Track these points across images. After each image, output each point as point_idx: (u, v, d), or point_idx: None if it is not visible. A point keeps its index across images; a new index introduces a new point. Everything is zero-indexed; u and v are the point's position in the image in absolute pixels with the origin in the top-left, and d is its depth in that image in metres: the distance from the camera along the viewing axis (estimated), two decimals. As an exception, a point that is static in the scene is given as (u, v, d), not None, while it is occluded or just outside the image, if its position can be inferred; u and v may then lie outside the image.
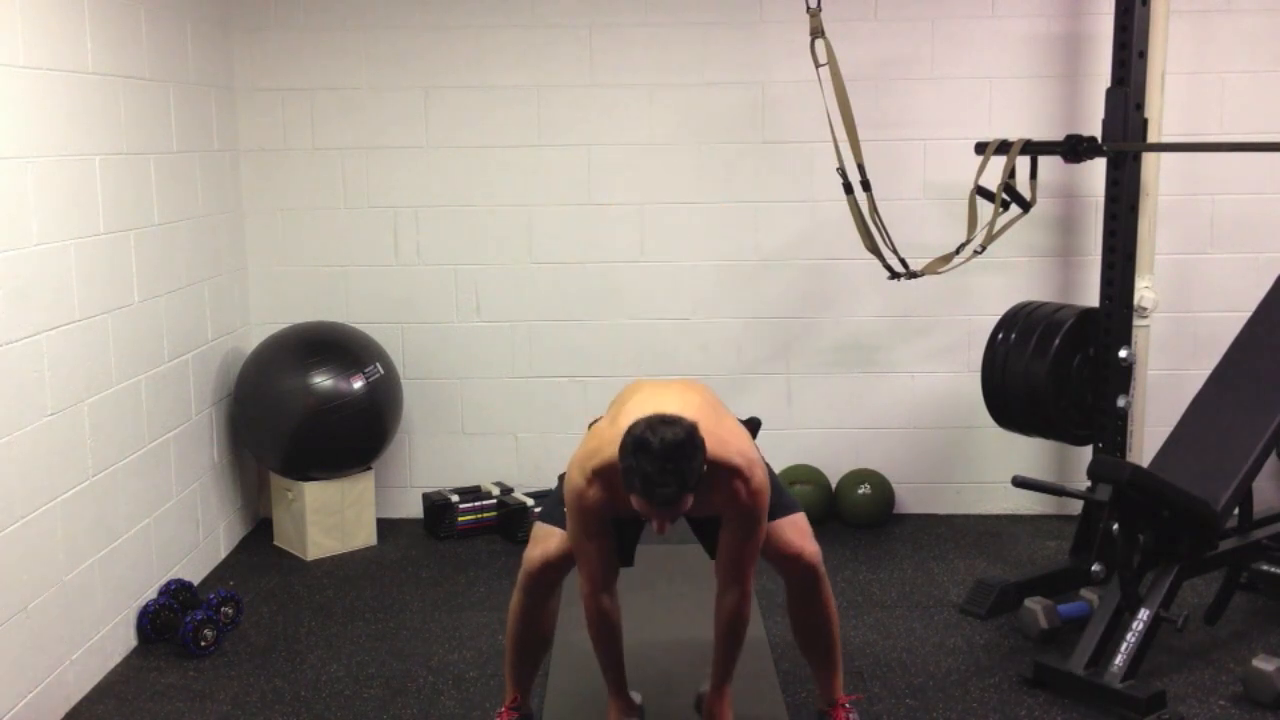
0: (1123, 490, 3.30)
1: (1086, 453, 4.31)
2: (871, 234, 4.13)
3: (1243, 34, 4.68)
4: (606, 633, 2.95)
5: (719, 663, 3.01)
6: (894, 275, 4.19)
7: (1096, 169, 4.30)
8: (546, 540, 3.00)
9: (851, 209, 4.10)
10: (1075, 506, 4.52)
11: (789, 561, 3.00)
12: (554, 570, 3.00)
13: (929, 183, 4.80)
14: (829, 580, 3.05)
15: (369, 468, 4.75)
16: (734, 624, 2.92)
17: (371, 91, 4.83)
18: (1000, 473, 4.80)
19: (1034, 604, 3.78)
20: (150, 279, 3.97)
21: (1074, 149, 4.06)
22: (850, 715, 3.14)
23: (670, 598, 4.00)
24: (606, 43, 4.77)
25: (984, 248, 4.14)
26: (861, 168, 4.07)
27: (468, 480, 5.00)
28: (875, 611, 4.04)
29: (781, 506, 3.00)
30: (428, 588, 4.31)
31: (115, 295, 3.73)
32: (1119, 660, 3.34)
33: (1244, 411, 3.64)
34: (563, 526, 2.96)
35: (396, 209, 4.89)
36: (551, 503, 3.07)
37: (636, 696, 3.19)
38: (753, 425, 3.13)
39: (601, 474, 2.77)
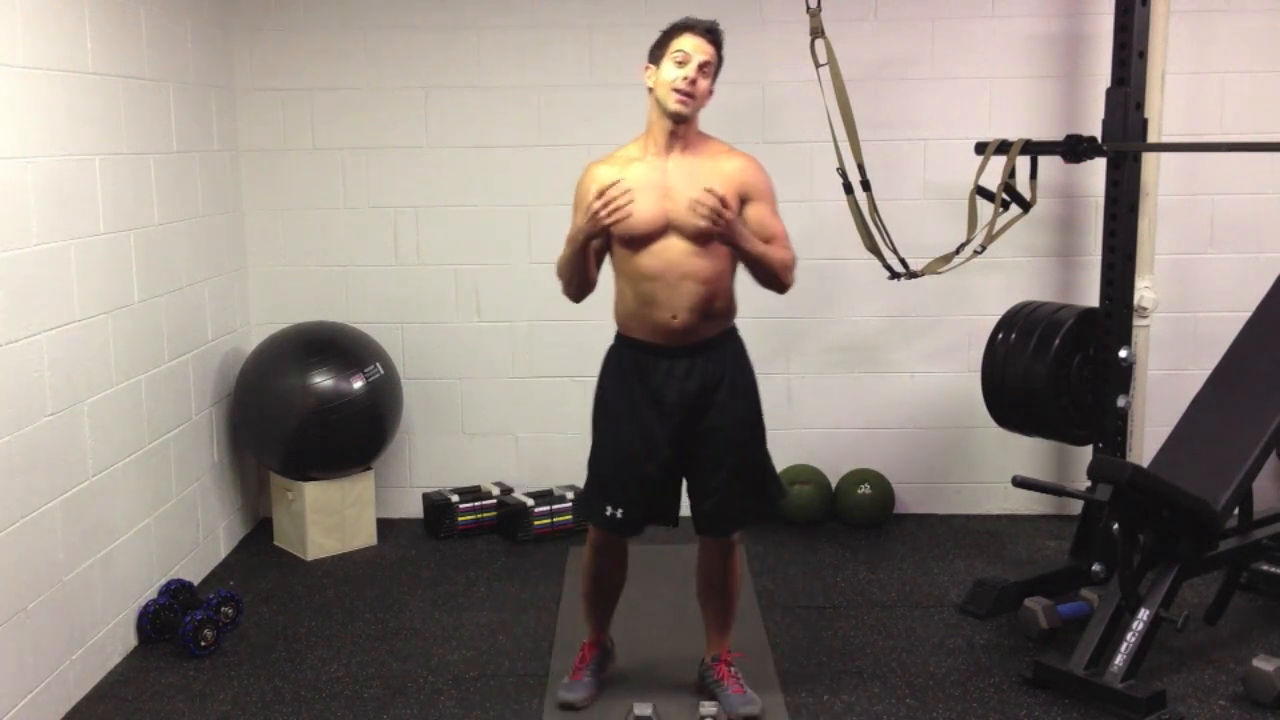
0: (1123, 490, 3.29)
1: (1086, 453, 4.31)
2: (871, 234, 4.13)
3: (1243, 34, 4.68)
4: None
5: (761, 246, 3.05)
6: (894, 275, 4.19)
7: (1096, 169, 4.29)
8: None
9: (851, 209, 4.10)
10: (1075, 506, 4.52)
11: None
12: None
13: (929, 183, 4.80)
14: (743, 552, 3.43)
15: (369, 468, 4.75)
16: (784, 260, 3.10)
17: (371, 91, 4.83)
18: (1000, 473, 4.80)
19: (1034, 604, 3.78)
20: (150, 279, 3.97)
21: (1074, 149, 4.06)
22: (734, 668, 3.34)
23: (671, 597, 4.00)
24: (606, 43, 4.77)
25: (984, 248, 4.14)
26: (861, 168, 4.07)
27: (468, 480, 5.00)
28: (875, 611, 4.04)
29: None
30: (428, 588, 4.30)
31: (115, 295, 3.73)
32: (1119, 660, 3.34)
33: (1244, 411, 3.64)
34: (594, 518, 3.28)
35: (396, 209, 4.89)
36: (584, 492, 3.36)
37: (647, 709, 3.19)
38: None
39: (602, 161, 3.14)
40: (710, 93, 3.06)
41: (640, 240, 3.04)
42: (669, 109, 2.99)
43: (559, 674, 3.52)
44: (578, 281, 3.15)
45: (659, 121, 3.04)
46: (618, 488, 3.20)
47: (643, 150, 3.10)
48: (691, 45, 2.99)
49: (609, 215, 2.92)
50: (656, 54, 3.04)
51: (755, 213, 3.08)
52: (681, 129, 3.04)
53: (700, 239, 3.02)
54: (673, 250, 3.02)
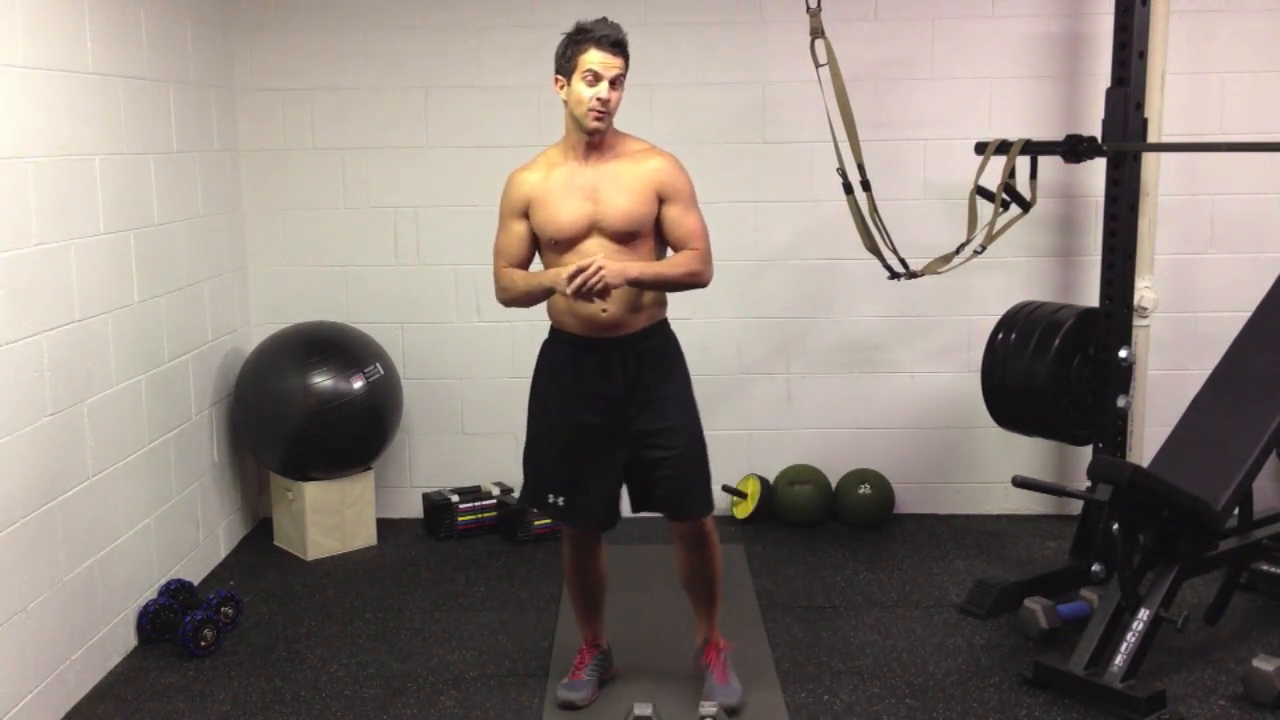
0: (1123, 490, 3.29)
1: (1086, 453, 4.31)
2: (871, 234, 4.13)
3: (1243, 34, 4.68)
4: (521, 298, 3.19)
5: (657, 269, 3.14)
6: (894, 275, 4.19)
7: (1096, 169, 4.30)
8: None
9: (851, 209, 4.10)
10: (1075, 506, 4.52)
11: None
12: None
13: (929, 183, 4.80)
14: (717, 536, 3.38)
15: (369, 468, 4.75)
16: (688, 265, 3.14)
17: (371, 91, 4.83)
18: (1000, 473, 4.80)
19: (1034, 604, 3.78)
20: (150, 279, 3.97)
21: (1074, 149, 4.06)
22: (722, 655, 3.40)
23: (670, 597, 3.99)
24: (606, 43, 4.76)
25: (984, 248, 4.14)
26: (861, 168, 4.07)
27: (468, 480, 5.00)
28: (875, 611, 4.04)
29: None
30: (428, 588, 4.30)
31: (115, 295, 3.73)
32: (1119, 660, 3.34)
33: (1244, 411, 3.64)
34: (541, 507, 3.36)
35: (396, 209, 4.90)
36: (525, 485, 3.40)
37: (647, 709, 3.20)
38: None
39: (526, 167, 3.19)
40: (621, 97, 3.10)
41: (566, 242, 3.12)
42: (586, 127, 3.06)
43: (559, 674, 3.52)
44: (522, 305, 3.23)
45: (576, 132, 3.11)
46: (558, 478, 3.27)
47: (564, 155, 3.16)
48: (600, 63, 3.01)
49: (580, 291, 2.97)
50: (565, 67, 3.06)
51: (672, 212, 3.15)
52: (598, 138, 3.10)
53: (623, 238, 3.10)
54: (597, 249, 3.08)
